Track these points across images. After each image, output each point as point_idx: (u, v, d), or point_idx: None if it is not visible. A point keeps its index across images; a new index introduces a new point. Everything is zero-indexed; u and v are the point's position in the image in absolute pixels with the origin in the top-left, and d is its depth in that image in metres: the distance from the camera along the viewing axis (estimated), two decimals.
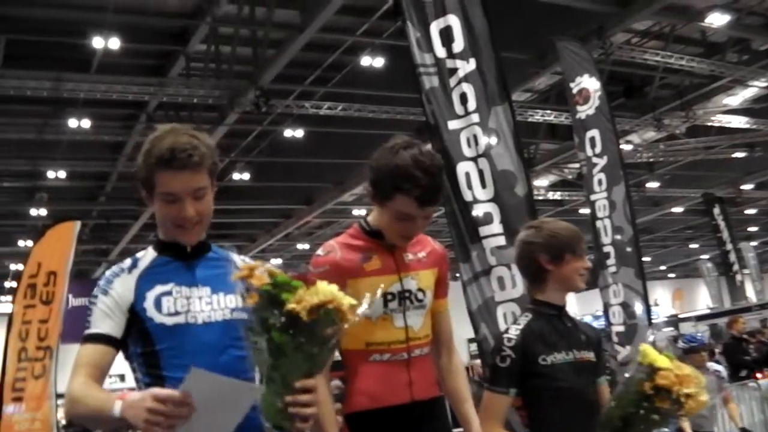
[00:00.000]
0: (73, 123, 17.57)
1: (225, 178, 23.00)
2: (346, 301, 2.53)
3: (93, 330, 2.96)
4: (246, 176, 23.31)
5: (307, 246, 31.63)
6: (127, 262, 3.12)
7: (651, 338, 10.81)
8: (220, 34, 15.34)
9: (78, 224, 11.66)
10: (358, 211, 25.15)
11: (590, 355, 3.80)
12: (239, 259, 3.28)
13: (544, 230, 3.88)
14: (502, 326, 6.41)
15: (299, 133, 19.89)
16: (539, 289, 3.87)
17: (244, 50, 15.61)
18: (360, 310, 2.58)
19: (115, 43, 14.67)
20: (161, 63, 16.40)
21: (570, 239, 3.80)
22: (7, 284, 28.59)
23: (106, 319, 2.96)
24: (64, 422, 15.33)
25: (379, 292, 3.31)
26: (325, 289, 2.50)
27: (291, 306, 2.46)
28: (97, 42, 14.61)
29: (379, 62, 16.62)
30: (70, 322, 10.59)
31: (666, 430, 3.62)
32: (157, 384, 2.85)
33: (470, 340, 7.04)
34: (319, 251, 3.60)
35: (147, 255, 3.14)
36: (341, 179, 22.75)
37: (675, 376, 3.35)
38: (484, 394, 3.72)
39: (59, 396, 10.67)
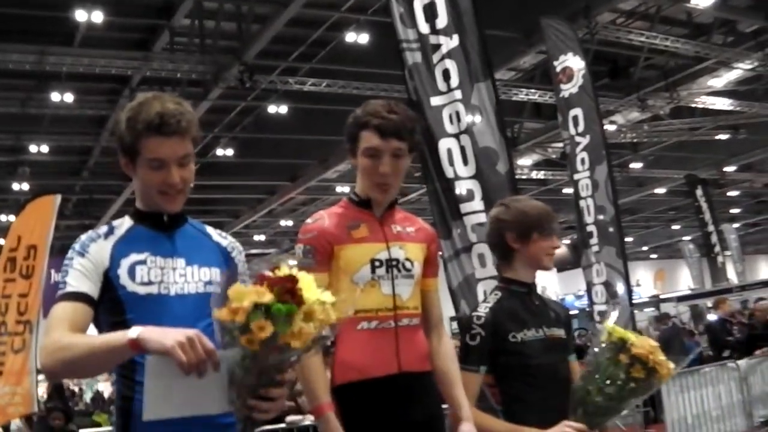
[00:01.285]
0: (56, 97, 17.49)
1: (209, 154, 22.96)
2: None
3: (69, 289, 2.89)
4: (230, 152, 23.27)
5: (290, 222, 31.61)
6: (103, 228, 3.07)
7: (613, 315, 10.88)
8: (205, 9, 15.24)
9: (59, 198, 11.55)
10: (342, 188, 25.12)
11: (560, 332, 3.82)
12: (216, 233, 3.27)
13: (512, 208, 3.86)
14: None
15: (283, 109, 19.81)
16: (508, 267, 3.88)
17: (228, 25, 15.57)
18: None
19: (98, 17, 14.55)
20: (145, 37, 16.28)
21: (538, 218, 3.78)
22: None
23: (84, 279, 2.90)
24: (45, 396, 15.32)
25: (358, 292, 3.35)
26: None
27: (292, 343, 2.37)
28: (81, 15, 14.48)
29: (364, 38, 16.55)
30: (51, 297, 10.49)
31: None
32: None
33: (452, 319, 7.05)
34: (308, 219, 3.61)
35: (124, 223, 3.09)
36: (325, 156, 22.71)
37: (649, 345, 3.45)
38: None
39: (39, 371, 10.65)
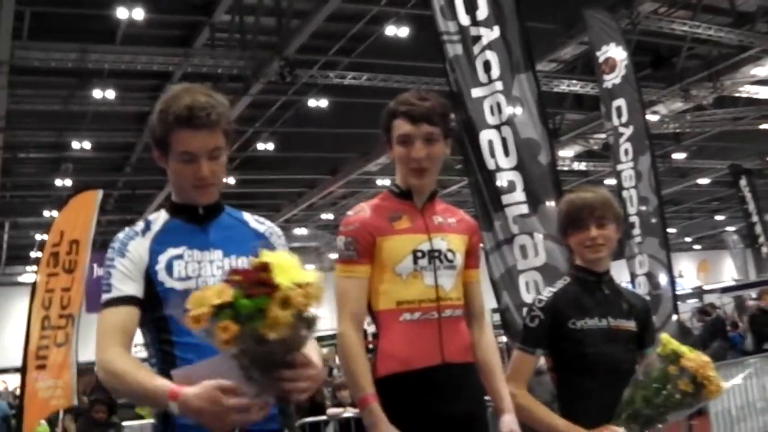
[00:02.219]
0: (98, 94, 17.65)
1: (249, 149, 23.05)
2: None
3: (116, 293, 2.90)
4: (270, 146, 23.34)
5: (331, 216, 31.68)
6: (140, 224, 3.07)
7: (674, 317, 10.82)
8: (245, 5, 15.33)
9: (100, 193, 11.65)
10: (382, 181, 25.12)
11: (630, 325, 3.74)
12: (253, 219, 3.26)
13: (561, 203, 3.90)
14: (524, 295, 6.40)
15: (323, 103, 19.85)
16: (574, 256, 3.87)
17: (268, 20, 15.61)
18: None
19: (139, 14, 14.67)
20: (186, 33, 16.40)
21: (571, 213, 3.76)
22: (33, 254, 28.78)
23: (128, 281, 2.91)
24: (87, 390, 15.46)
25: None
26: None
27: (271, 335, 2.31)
28: (122, 12, 14.62)
29: (404, 32, 16.52)
30: (93, 291, 10.58)
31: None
32: (167, 349, 2.87)
33: (494, 310, 7.04)
34: (350, 211, 3.60)
35: (160, 217, 3.09)
36: (366, 149, 22.72)
37: (701, 360, 3.42)
38: (513, 351, 3.77)
39: (81, 365, 10.77)
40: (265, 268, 2.37)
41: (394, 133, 3.49)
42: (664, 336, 3.53)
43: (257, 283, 2.33)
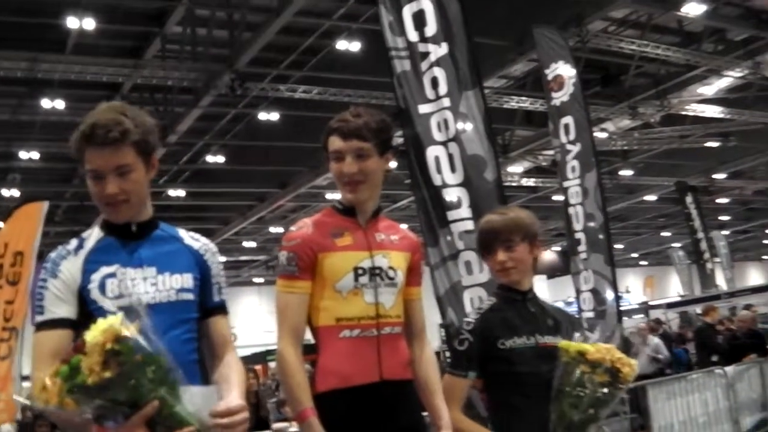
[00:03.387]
0: (47, 104, 17.50)
1: (199, 161, 22.96)
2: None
3: (48, 315, 2.89)
4: (220, 159, 23.26)
5: (280, 229, 31.58)
6: (73, 242, 3.05)
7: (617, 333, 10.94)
8: (197, 17, 15.26)
9: (46, 204, 11.56)
10: (332, 195, 25.08)
11: (557, 341, 3.71)
12: (188, 236, 3.24)
13: (479, 225, 3.94)
14: (469, 311, 6.44)
15: (274, 116, 19.86)
16: None
17: (220, 33, 15.59)
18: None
19: (90, 24, 14.57)
20: (137, 44, 16.30)
21: (482, 237, 3.82)
22: None
23: (60, 303, 2.90)
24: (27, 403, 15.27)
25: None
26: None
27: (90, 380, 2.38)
28: (72, 22, 14.50)
29: (355, 46, 16.60)
30: None
31: None
32: None
33: (441, 326, 7.09)
34: (292, 227, 3.59)
35: (92, 235, 3.07)
36: (316, 163, 22.69)
37: (604, 348, 3.51)
38: (444, 376, 3.73)
39: (24, 378, 10.63)
40: (83, 339, 2.43)
41: (329, 149, 3.52)
42: (563, 343, 3.58)
43: (73, 350, 2.42)
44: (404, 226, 3.83)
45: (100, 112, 2.91)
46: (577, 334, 3.68)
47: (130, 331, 2.45)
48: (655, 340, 16.53)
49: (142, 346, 2.46)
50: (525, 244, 3.73)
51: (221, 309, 3.24)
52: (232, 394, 2.89)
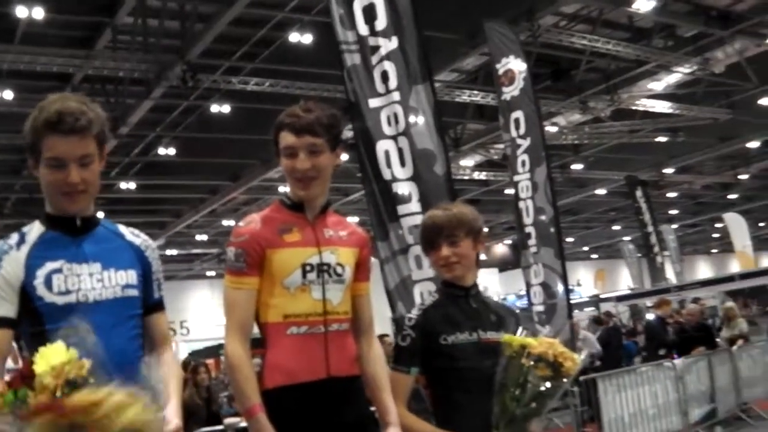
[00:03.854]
0: None
1: (150, 153, 22.79)
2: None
3: None
4: (172, 151, 23.09)
5: (232, 222, 31.32)
6: (14, 237, 3.00)
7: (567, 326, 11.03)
8: (148, 7, 15.09)
9: None
10: (284, 188, 24.66)
11: (499, 336, 3.71)
12: (129, 232, 3.23)
13: (423, 220, 3.97)
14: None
15: (226, 108, 19.73)
16: None
17: (172, 24, 15.47)
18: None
19: (39, 13, 14.34)
20: (88, 35, 16.06)
21: (425, 232, 3.85)
22: None
23: (1, 301, 2.86)
24: None
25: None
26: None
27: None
28: (21, 11, 14.26)
29: (307, 39, 16.53)
30: None
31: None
32: None
33: (393, 319, 7.13)
34: (240, 222, 3.58)
35: (34, 229, 3.03)
36: (268, 156, 22.57)
37: (547, 342, 3.53)
38: (389, 372, 3.75)
39: None
40: (29, 364, 2.38)
41: (280, 144, 3.51)
42: (506, 337, 3.59)
43: (21, 377, 2.36)
44: (355, 220, 3.83)
45: (61, 101, 2.89)
46: (520, 329, 3.68)
47: (81, 371, 2.38)
48: (587, 334, 16.76)
49: (90, 384, 2.39)
50: (469, 239, 3.76)
51: (161, 306, 3.25)
52: (171, 408, 2.88)
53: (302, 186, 3.51)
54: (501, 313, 3.89)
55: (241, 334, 3.40)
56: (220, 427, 10.32)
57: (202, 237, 34.43)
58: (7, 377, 2.43)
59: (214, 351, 27.32)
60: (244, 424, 10.80)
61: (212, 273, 42.18)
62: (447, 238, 3.72)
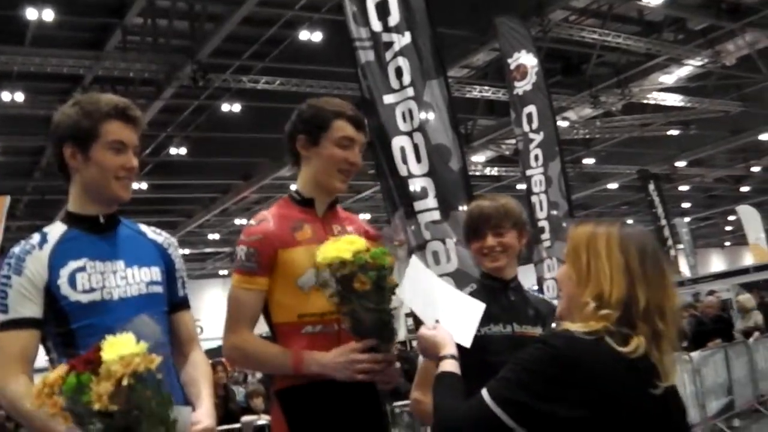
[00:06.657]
0: (6, 96, 17.20)
1: (162, 153, 22.79)
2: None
3: (14, 315, 2.83)
4: (183, 151, 23.06)
5: (244, 221, 31.24)
6: (36, 237, 2.99)
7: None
8: (158, 7, 15.11)
9: (8, 199, 11.44)
10: (296, 186, 24.95)
11: (536, 331, 3.69)
12: (150, 230, 3.25)
13: (466, 212, 3.95)
14: None
15: (237, 107, 19.71)
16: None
17: (181, 24, 15.48)
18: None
19: (49, 15, 14.34)
20: (97, 36, 16.08)
21: (471, 221, 3.79)
22: None
23: (26, 302, 2.84)
24: None
25: None
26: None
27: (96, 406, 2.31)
28: (31, 13, 14.27)
29: (317, 36, 16.51)
30: None
31: None
32: None
33: (407, 315, 7.09)
34: (252, 221, 3.55)
35: (55, 229, 3.02)
36: (279, 154, 22.49)
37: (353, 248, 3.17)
38: (419, 359, 3.71)
39: None
40: (96, 349, 2.37)
41: (333, 132, 3.48)
42: (319, 255, 3.20)
43: (86, 363, 2.35)
44: (367, 217, 3.81)
45: (106, 96, 3.02)
46: (554, 325, 3.63)
47: (151, 365, 2.38)
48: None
49: (155, 382, 2.41)
50: (514, 231, 3.73)
51: (186, 304, 3.25)
52: (203, 409, 2.89)
53: (343, 179, 3.54)
54: (541, 308, 3.83)
55: (251, 330, 3.42)
56: (237, 425, 10.34)
57: (214, 236, 34.42)
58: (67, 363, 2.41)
59: None
60: (261, 422, 10.86)
61: (225, 272, 42.19)
62: (493, 228, 3.69)
